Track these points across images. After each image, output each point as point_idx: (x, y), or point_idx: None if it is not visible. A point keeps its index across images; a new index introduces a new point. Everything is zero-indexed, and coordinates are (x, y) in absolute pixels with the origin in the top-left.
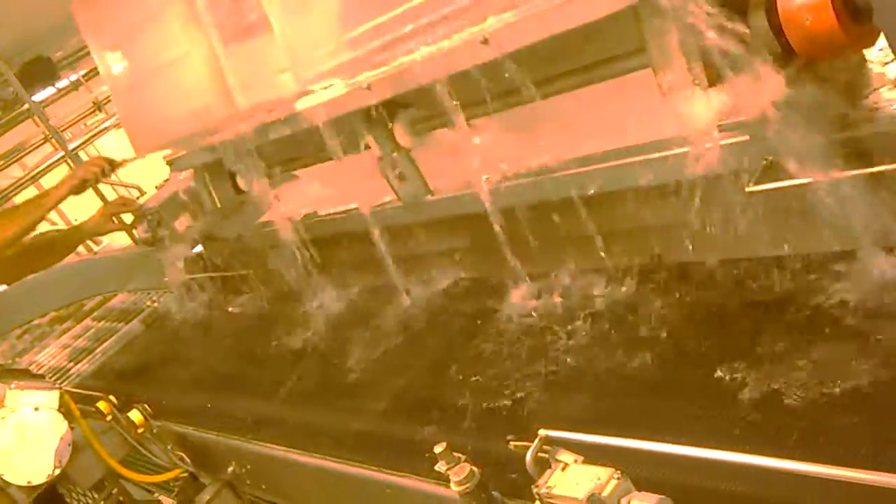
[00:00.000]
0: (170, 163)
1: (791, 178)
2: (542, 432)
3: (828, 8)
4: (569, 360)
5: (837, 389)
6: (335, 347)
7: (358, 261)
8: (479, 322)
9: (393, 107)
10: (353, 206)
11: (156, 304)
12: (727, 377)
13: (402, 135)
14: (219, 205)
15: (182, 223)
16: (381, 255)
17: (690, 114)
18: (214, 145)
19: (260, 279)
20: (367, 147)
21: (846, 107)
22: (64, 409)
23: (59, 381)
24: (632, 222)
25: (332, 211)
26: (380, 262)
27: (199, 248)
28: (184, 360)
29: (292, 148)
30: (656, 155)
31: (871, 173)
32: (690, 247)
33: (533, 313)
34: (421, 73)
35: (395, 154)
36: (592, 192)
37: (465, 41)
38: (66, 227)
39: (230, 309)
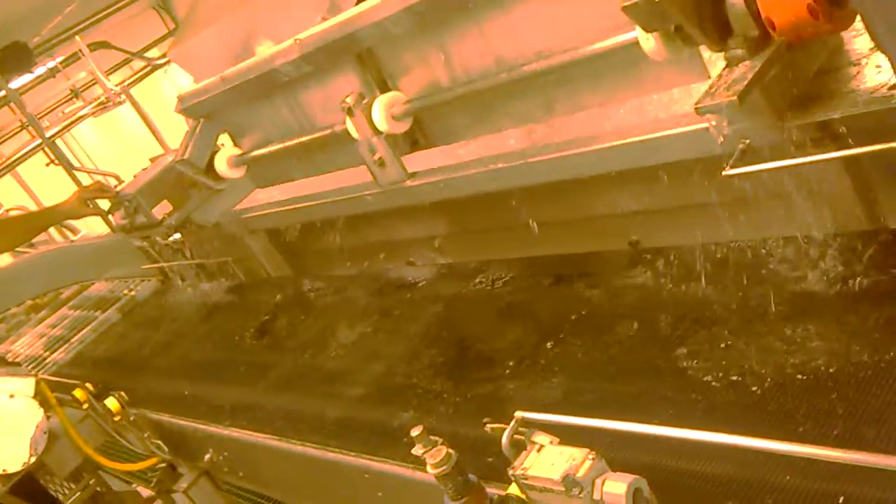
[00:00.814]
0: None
1: (768, 161)
2: (518, 414)
3: None
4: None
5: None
6: (313, 334)
7: (337, 247)
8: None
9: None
10: (330, 191)
11: (133, 293)
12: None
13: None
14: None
15: (160, 210)
16: (361, 242)
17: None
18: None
19: (238, 266)
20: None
21: (822, 89)
22: (40, 397)
23: (35, 370)
24: (612, 207)
25: (307, 197)
26: (359, 248)
27: (177, 236)
28: (161, 349)
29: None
30: (638, 139)
31: (847, 156)
32: (671, 231)
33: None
34: None
35: (374, 138)
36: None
37: None
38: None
39: (208, 296)
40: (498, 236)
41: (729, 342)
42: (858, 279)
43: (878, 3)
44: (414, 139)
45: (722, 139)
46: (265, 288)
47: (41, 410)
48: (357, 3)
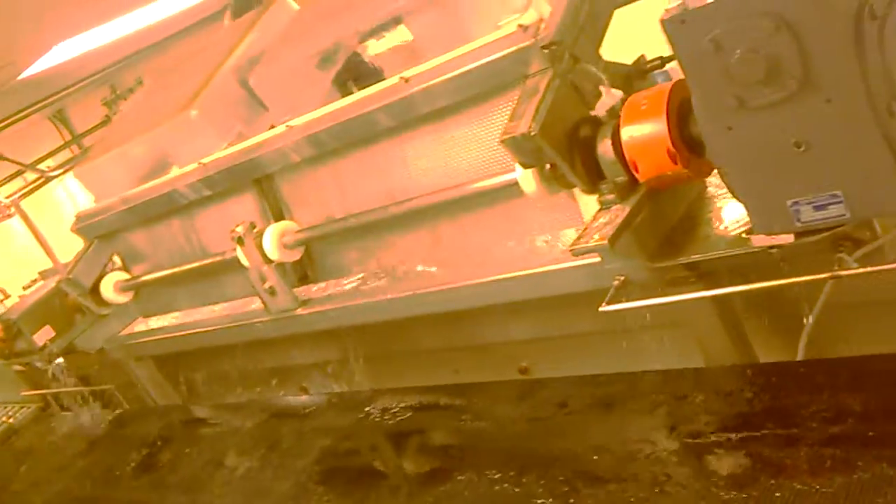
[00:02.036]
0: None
1: (641, 298)
2: None
3: (666, 140)
4: None
5: None
6: (198, 468)
7: (228, 375)
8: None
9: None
10: (220, 317)
11: (11, 420)
12: None
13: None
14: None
15: (42, 335)
16: (251, 369)
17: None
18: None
19: (123, 394)
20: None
21: (688, 231)
22: None
23: None
24: (496, 337)
25: (197, 323)
26: (251, 374)
27: (59, 361)
28: (35, 485)
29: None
30: (517, 274)
31: (712, 296)
32: (558, 360)
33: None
34: None
35: (264, 267)
36: (457, 308)
37: None
38: None
39: (90, 425)
40: (391, 363)
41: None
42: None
43: (729, 156)
44: (304, 272)
45: (600, 276)
46: (150, 417)
47: None
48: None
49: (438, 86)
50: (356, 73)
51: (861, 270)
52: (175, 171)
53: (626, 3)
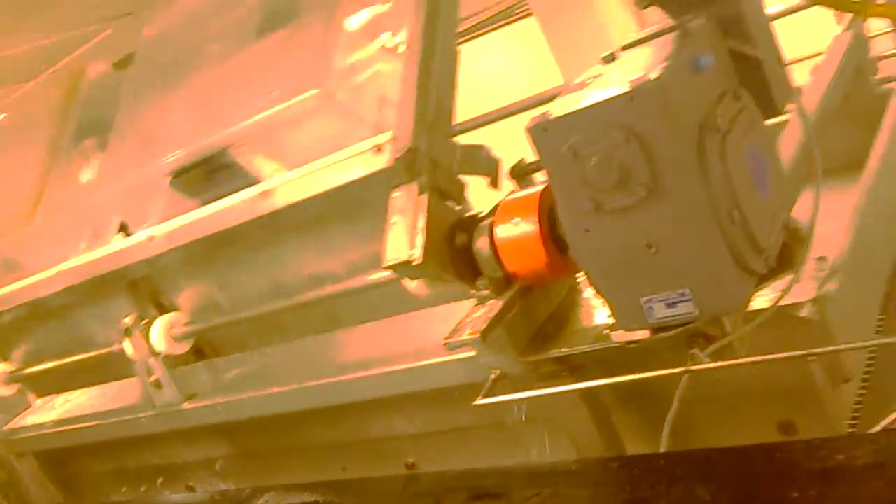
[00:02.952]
0: None
1: (515, 391)
2: None
3: (537, 240)
4: None
5: None
6: None
7: (112, 472)
8: None
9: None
10: (105, 412)
11: None
12: None
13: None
14: None
15: None
16: (136, 466)
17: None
18: None
19: (3, 492)
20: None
21: (559, 325)
22: None
23: None
24: (383, 432)
25: (80, 418)
26: (136, 471)
27: None
28: None
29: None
30: (398, 368)
31: (582, 389)
32: (443, 454)
33: None
34: None
35: (150, 359)
36: (343, 402)
37: None
38: None
39: None
40: (279, 459)
41: None
42: None
43: (589, 256)
44: (199, 347)
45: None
46: None
47: None
48: (119, 231)
49: (301, 202)
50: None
51: (712, 365)
52: (34, 279)
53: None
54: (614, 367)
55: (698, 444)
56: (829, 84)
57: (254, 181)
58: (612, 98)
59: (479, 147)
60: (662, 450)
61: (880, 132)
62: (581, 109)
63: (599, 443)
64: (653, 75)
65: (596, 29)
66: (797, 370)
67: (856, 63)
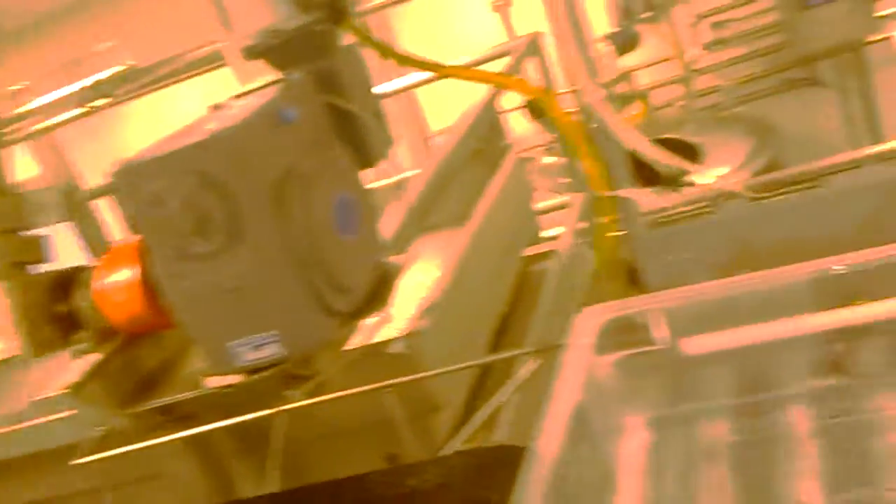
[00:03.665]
0: None
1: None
2: None
3: (135, 287)
4: None
5: None
6: None
7: None
8: None
9: None
10: None
11: None
12: None
13: None
14: None
15: None
16: None
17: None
18: None
19: None
20: None
21: (168, 374)
22: None
23: None
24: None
25: None
26: None
27: None
28: None
29: None
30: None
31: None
32: None
33: None
34: None
35: None
36: None
37: None
38: None
39: None
40: None
41: None
42: None
43: (177, 302)
44: None
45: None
46: None
47: None
48: None
49: None
50: None
51: (302, 403)
52: None
53: None
54: (231, 412)
55: (315, 479)
56: (459, 140)
57: None
58: (188, 146)
59: (50, 189)
60: (277, 490)
61: (490, 185)
62: (161, 156)
63: (215, 490)
64: (230, 124)
65: None
66: (389, 403)
67: (488, 122)
